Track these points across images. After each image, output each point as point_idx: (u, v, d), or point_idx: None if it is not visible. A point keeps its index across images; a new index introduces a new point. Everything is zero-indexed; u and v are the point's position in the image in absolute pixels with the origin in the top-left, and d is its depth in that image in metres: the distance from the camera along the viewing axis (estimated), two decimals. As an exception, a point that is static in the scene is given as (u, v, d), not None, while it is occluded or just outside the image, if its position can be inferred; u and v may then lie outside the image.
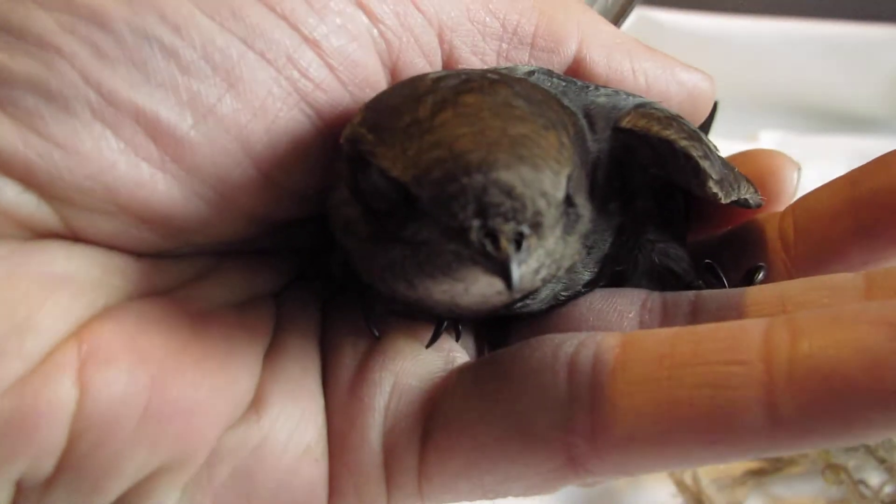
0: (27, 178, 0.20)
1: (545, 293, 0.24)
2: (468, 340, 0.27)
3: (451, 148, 0.19)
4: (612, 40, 0.27)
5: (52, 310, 0.21)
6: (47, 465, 0.21)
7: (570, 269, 0.24)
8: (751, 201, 0.27)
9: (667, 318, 0.25)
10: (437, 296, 0.22)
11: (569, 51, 0.26)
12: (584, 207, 0.22)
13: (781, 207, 0.28)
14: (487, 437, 0.23)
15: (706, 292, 0.25)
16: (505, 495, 0.24)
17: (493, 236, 0.19)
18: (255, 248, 0.26)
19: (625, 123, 0.25)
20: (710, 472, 0.50)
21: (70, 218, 0.21)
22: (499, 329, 0.27)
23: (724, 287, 0.26)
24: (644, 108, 0.25)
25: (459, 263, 0.20)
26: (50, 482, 0.21)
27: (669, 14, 0.83)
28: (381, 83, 0.24)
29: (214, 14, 0.21)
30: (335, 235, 0.24)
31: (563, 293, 0.25)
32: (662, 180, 0.26)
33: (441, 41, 0.25)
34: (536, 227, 0.19)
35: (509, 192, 0.19)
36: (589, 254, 0.24)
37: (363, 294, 0.25)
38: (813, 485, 0.50)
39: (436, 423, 0.24)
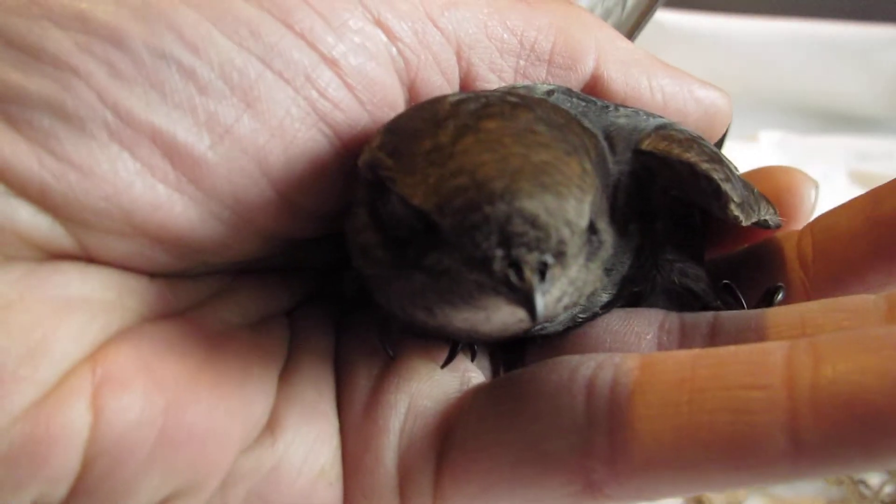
0: (42, 200, 0.20)
1: (563, 316, 0.24)
2: (483, 360, 0.26)
3: (474, 176, 0.19)
4: (630, 57, 0.27)
5: (67, 333, 0.20)
6: (60, 490, 0.20)
7: (591, 294, 0.24)
8: (770, 222, 0.27)
9: (685, 340, 0.25)
10: (457, 323, 0.21)
11: (586, 68, 0.26)
12: (606, 233, 0.22)
13: (800, 226, 0.28)
14: (503, 459, 0.22)
15: (725, 314, 0.25)
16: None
17: (517, 266, 0.19)
18: (269, 265, 0.26)
19: (645, 146, 0.24)
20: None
21: (85, 239, 0.21)
22: (514, 350, 0.26)
23: (743, 308, 0.26)
24: (664, 130, 0.25)
25: (481, 293, 0.20)
26: None
27: (670, 14, 0.83)
28: (399, 102, 0.24)
29: (232, 34, 0.21)
30: (352, 258, 0.24)
31: (580, 315, 0.25)
32: (682, 201, 0.26)
33: (459, 58, 0.24)
34: (560, 256, 0.19)
35: (533, 222, 0.19)
36: (608, 275, 0.24)
37: (379, 314, 0.25)
38: (813, 485, 0.50)
39: (451, 444, 0.23)
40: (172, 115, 0.21)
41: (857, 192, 0.26)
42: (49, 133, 0.20)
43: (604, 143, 0.24)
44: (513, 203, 0.19)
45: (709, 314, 0.25)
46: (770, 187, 0.28)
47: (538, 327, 0.24)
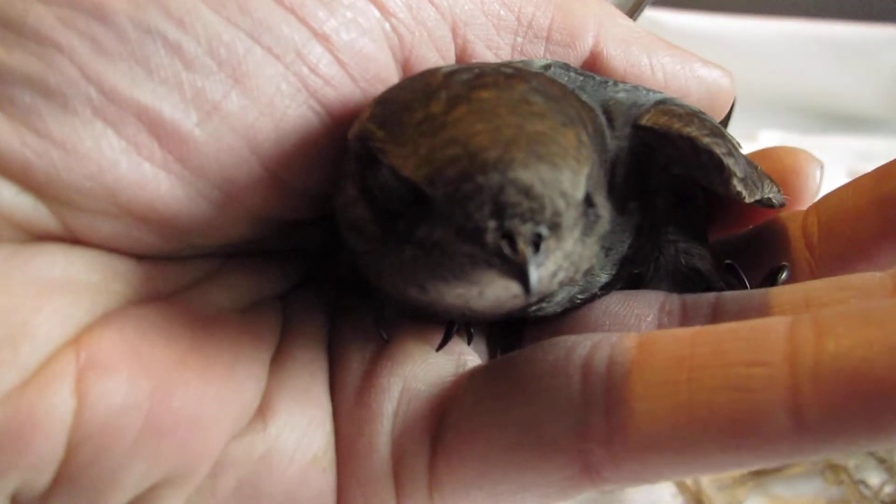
0: (24, 179, 0.20)
1: (561, 296, 0.23)
2: (480, 343, 0.26)
3: (467, 145, 0.19)
4: (630, 34, 0.26)
5: (50, 316, 0.20)
6: (44, 477, 0.20)
7: (588, 272, 0.23)
8: (774, 201, 0.26)
9: (686, 321, 0.24)
10: (450, 300, 0.21)
11: (585, 45, 0.26)
12: (603, 208, 0.22)
13: (804, 206, 0.28)
14: (499, 442, 0.22)
15: (727, 294, 0.24)
16: (521, 506, 0.23)
17: (510, 238, 0.18)
18: (260, 249, 0.25)
19: (645, 121, 0.24)
20: (710, 472, 0.50)
21: (69, 219, 0.21)
22: (511, 333, 0.26)
23: (746, 288, 0.26)
24: (664, 105, 0.25)
25: (474, 266, 0.19)
26: (46, 496, 0.20)
27: (670, 14, 0.83)
28: (392, 79, 0.23)
29: (220, 8, 0.21)
30: (342, 236, 0.23)
31: (579, 296, 0.24)
32: (683, 179, 0.25)
33: (455, 35, 0.24)
34: (555, 228, 0.19)
35: (527, 192, 0.18)
36: (607, 255, 0.24)
37: (372, 296, 0.24)
38: (813, 485, 0.49)
39: (446, 428, 0.23)
40: (158, 92, 0.20)
41: (857, 191, 0.26)
42: (31, 110, 0.19)
43: (602, 118, 0.23)
44: (506, 173, 0.18)
45: (710, 295, 0.25)
46: (774, 168, 0.28)
47: (535, 308, 0.23)
